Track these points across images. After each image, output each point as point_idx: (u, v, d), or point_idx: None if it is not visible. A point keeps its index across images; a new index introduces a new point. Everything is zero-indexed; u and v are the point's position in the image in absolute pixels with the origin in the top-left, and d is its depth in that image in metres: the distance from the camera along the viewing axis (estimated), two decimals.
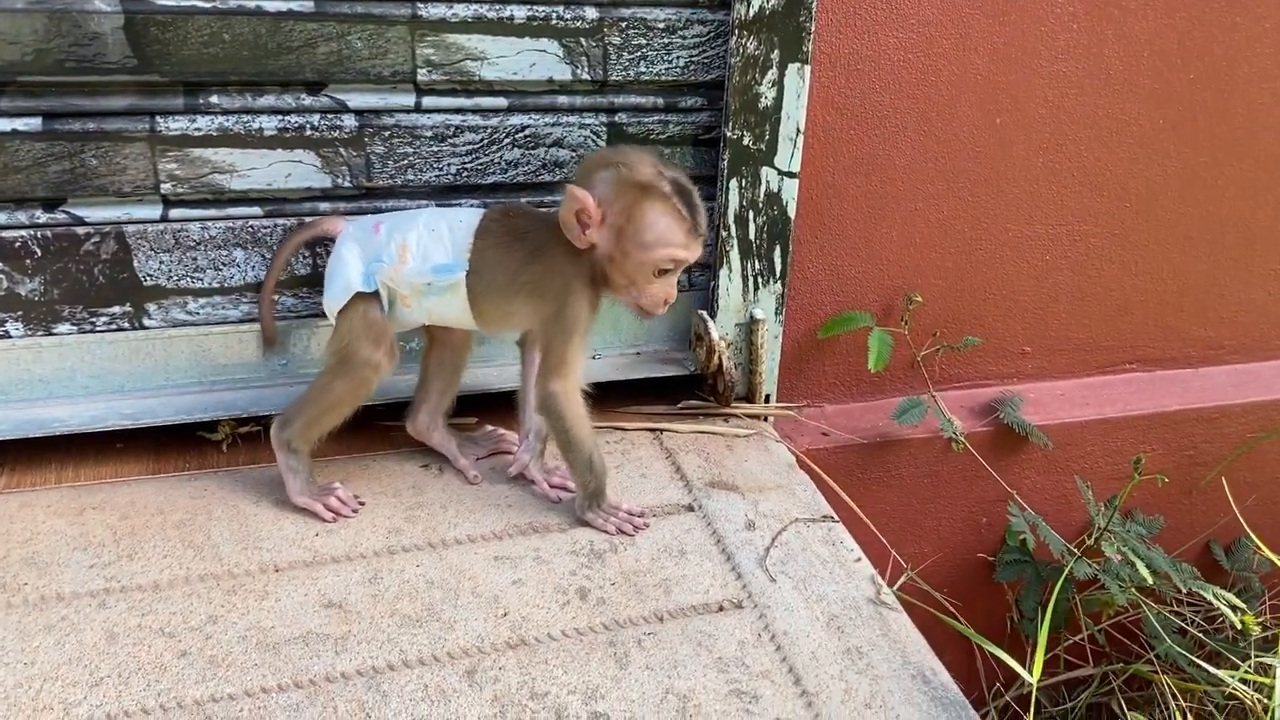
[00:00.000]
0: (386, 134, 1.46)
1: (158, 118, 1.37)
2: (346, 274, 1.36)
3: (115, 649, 1.17)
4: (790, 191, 1.61)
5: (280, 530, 1.36)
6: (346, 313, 1.36)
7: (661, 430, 1.63)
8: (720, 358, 1.61)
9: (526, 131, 1.52)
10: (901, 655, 1.26)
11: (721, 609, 1.30)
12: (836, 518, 1.47)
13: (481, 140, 1.50)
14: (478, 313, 1.39)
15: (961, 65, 1.73)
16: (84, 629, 1.19)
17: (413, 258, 1.35)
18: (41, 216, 1.38)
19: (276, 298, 1.49)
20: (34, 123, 1.33)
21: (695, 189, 1.33)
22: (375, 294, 1.37)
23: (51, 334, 1.42)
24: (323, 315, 1.42)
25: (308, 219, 1.47)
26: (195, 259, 1.44)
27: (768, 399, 1.72)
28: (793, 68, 1.54)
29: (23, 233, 1.37)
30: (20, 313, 1.40)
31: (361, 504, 1.42)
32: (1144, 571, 1.60)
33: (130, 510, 1.37)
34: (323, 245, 1.48)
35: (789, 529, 1.44)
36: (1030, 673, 1.47)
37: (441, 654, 1.20)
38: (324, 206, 1.47)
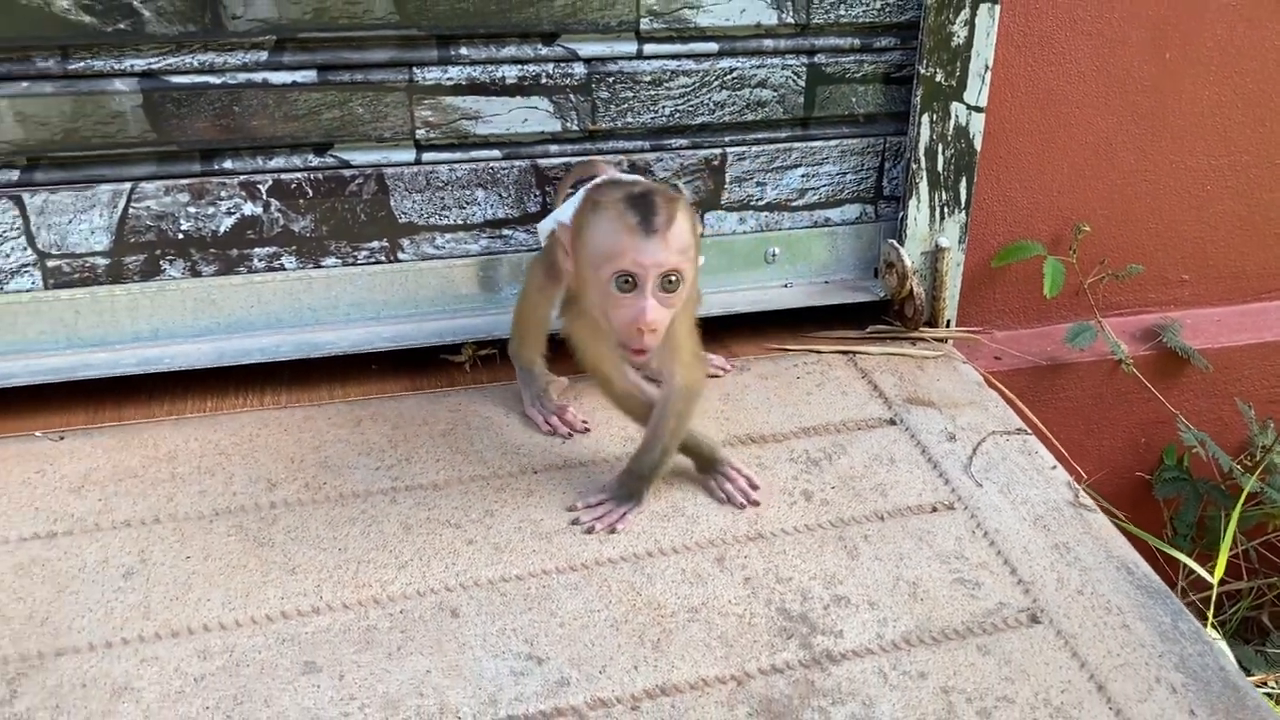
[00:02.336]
0: (611, 80, 1.59)
1: (415, 69, 1.51)
2: (565, 210, 1.45)
3: (411, 537, 1.34)
4: (977, 125, 1.71)
5: (532, 439, 1.52)
6: (550, 242, 1.45)
7: (854, 353, 1.75)
8: (911, 284, 1.72)
9: (734, 74, 1.63)
10: (1105, 550, 1.38)
11: (935, 510, 1.43)
12: (1029, 430, 1.59)
13: (693, 83, 1.62)
14: None
15: (1134, 1, 1.79)
16: (382, 521, 1.37)
17: None
18: (314, 160, 1.54)
19: (510, 233, 1.64)
20: (310, 75, 1.48)
21: (663, 199, 1.18)
22: None
23: (320, 266, 1.59)
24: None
25: (567, 162, 1.62)
26: (443, 198, 1.59)
27: (949, 324, 1.82)
28: (984, 7, 1.63)
29: (298, 175, 1.53)
30: (294, 247, 1.57)
31: (588, 428, 1.53)
32: None
33: (399, 421, 1.54)
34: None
35: (987, 440, 1.56)
36: (1211, 574, 1.58)
37: (691, 544, 1.35)
38: (553, 149, 1.61)
